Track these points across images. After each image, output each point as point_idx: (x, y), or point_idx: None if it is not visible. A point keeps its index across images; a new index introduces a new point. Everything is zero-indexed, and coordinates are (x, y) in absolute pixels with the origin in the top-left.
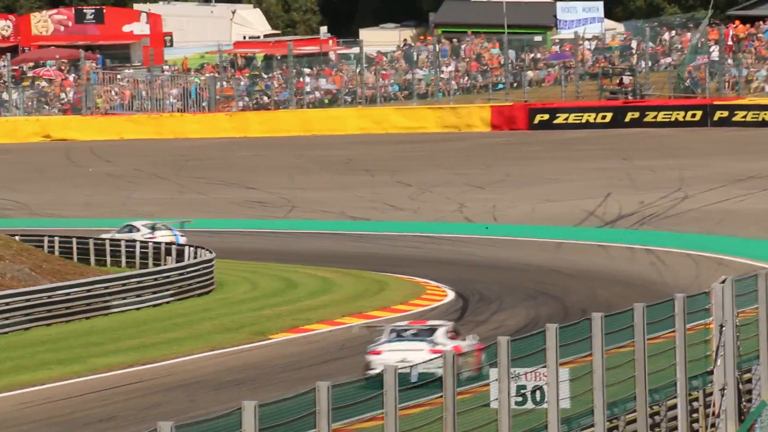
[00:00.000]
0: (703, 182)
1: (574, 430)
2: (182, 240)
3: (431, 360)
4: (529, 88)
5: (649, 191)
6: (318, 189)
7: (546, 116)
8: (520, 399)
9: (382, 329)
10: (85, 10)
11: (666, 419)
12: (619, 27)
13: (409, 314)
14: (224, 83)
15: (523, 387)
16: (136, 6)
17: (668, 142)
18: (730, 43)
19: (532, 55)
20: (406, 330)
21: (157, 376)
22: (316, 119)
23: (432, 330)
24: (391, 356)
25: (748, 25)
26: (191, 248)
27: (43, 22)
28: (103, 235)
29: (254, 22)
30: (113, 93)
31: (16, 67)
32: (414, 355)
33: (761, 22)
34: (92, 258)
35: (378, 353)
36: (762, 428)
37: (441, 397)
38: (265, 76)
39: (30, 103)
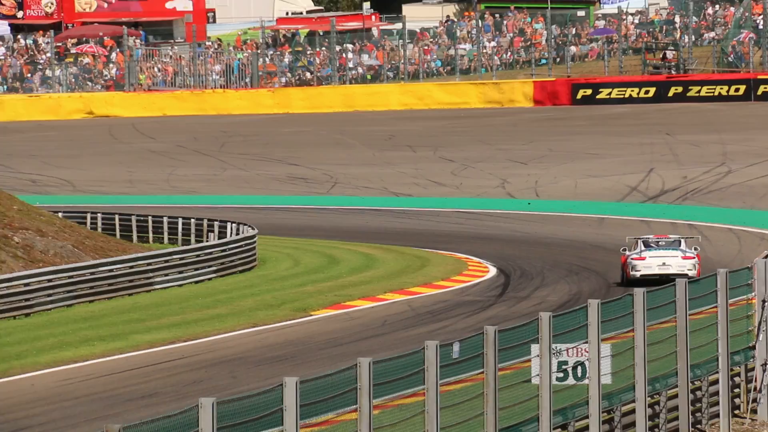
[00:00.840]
0: (747, 157)
1: (616, 406)
2: None
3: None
4: (572, 64)
5: (692, 166)
6: (360, 165)
7: (589, 91)
8: (561, 375)
9: (635, 241)
10: None
11: (708, 394)
12: (663, 1)
13: (451, 290)
14: (267, 59)
15: (565, 363)
16: None
17: (711, 117)
18: None
19: (575, 30)
20: (657, 242)
21: (199, 353)
22: (358, 95)
23: (678, 242)
24: (654, 261)
25: None
26: (233, 224)
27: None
28: None
29: None
30: (156, 69)
31: (60, 44)
32: (671, 260)
33: None
34: (134, 234)
35: (642, 259)
36: None
37: (482, 373)
38: (308, 51)
39: (73, 80)
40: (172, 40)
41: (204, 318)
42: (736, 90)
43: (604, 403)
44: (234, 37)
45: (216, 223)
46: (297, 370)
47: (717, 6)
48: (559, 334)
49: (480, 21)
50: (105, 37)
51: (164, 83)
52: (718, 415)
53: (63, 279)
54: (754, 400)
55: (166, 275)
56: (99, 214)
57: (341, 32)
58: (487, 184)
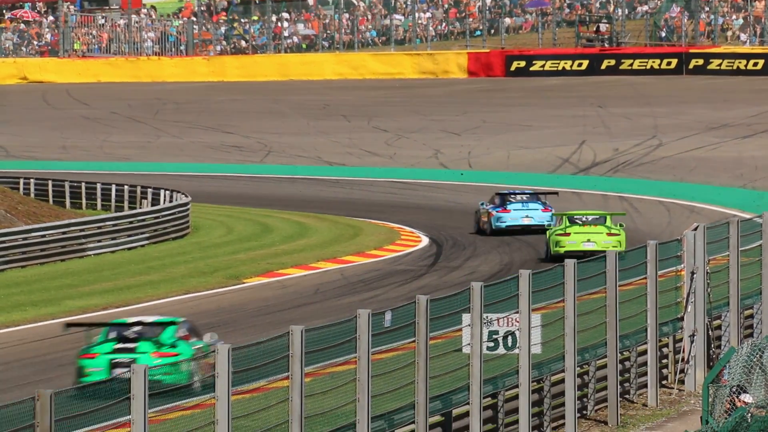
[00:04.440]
0: (677, 130)
1: (545, 376)
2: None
3: None
4: (507, 35)
5: (623, 139)
6: (294, 134)
7: (523, 63)
8: (492, 344)
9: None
10: None
11: (636, 365)
12: None
13: (384, 260)
14: (202, 27)
15: (496, 332)
16: None
17: (643, 90)
18: None
19: (509, 1)
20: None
21: None
22: (293, 64)
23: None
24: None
25: None
26: (167, 192)
27: None
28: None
29: None
30: (91, 36)
31: None
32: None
33: None
34: (68, 200)
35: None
36: (730, 374)
37: (414, 342)
38: (244, 20)
39: (7, 45)
40: (107, 6)
41: (136, 284)
42: (668, 63)
43: (534, 373)
44: (169, 5)
45: (149, 190)
46: (229, 337)
47: None
48: (491, 304)
49: None
50: (40, 3)
51: (99, 50)
52: (646, 385)
53: None
54: (682, 371)
55: (99, 241)
56: (32, 180)
57: (276, 1)
58: (420, 155)
